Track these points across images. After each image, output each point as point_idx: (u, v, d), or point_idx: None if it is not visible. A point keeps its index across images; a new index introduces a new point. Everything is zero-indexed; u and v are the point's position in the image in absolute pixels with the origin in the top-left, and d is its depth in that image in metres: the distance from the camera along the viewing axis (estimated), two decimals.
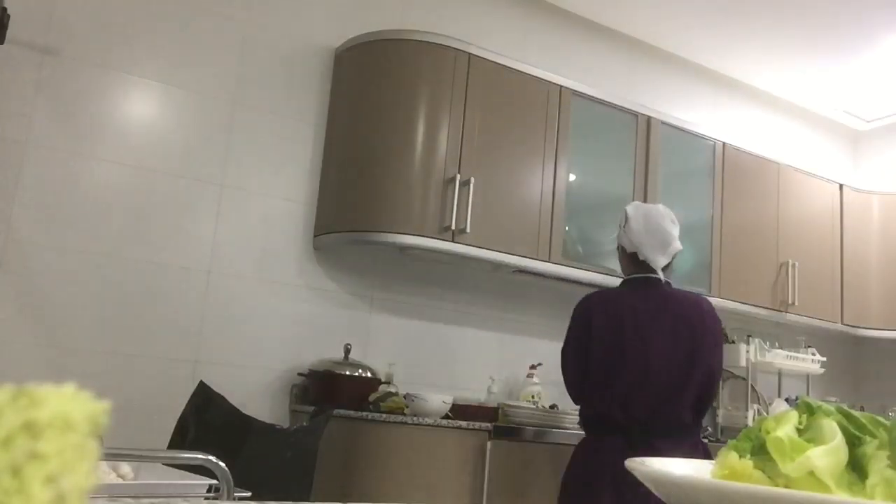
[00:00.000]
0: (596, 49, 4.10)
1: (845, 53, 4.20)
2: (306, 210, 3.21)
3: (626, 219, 2.53)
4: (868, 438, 0.48)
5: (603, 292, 2.62)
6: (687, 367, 2.39)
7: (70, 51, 2.80)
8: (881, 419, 0.49)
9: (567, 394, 2.61)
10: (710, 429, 3.69)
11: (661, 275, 2.47)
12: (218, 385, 2.07)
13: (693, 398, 2.41)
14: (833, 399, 4.17)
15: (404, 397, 2.91)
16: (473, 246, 3.10)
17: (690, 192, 3.97)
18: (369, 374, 3.01)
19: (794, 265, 4.08)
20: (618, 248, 2.60)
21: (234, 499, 1.24)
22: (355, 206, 3.06)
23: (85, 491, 0.26)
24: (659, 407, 2.37)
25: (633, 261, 2.51)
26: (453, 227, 3.04)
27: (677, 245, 2.52)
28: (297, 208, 3.19)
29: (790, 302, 4.03)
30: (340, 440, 2.70)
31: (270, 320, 3.08)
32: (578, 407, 2.59)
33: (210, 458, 1.23)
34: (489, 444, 2.76)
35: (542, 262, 3.28)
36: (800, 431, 0.49)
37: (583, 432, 2.54)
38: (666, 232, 2.49)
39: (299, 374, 3.05)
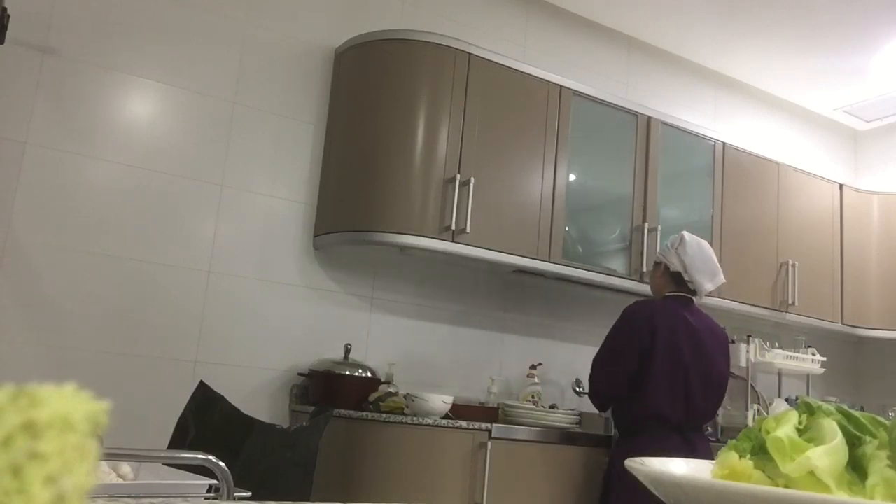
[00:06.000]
0: (596, 49, 4.11)
1: (845, 53, 4.20)
2: (306, 210, 3.21)
3: (683, 241, 2.81)
4: (868, 438, 0.48)
5: (654, 302, 2.85)
6: (726, 375, 2.83)
7: (70, 51, 2.80)
8: (881, 419, 0.49)
9: (596, 392, 2.85)
10: (709, 429, 3.68)
11: (700, 297, 2.84)
12: (218, 385, 2.07)
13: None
14: (833, 399, 4.17)
15: (404, 397, 2.90)
16: (473, 246, 3.10)
17: (690, 192, 3.97)
18: (369, 374, 3.01)
19: (794, 265, 4.08)
20: (658, 264, 2.89)
21: (234, 499, 1.24)
22: (355, 206, 3.06)
23: (85, 491, 0.26)
24: (711, 409, 2.79)
25: (674, 279, 2.82)
26: (453, 227, 3.04)
27: (722, 278, 2.86)
28: (297, 208, 3.19)
29: (790, 302, 4.03)
30: (340, 440, 2.70)
31: (270, 320, 3.08)
32: (597, 404, 2.92)
33: (210, 458, 1.23)
34: (489, 444, 2.76)
35: (542, 262, 3.28)
36: (800, 431, 0.49)
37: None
38: (716, 264, 2.84)
39: (299, 374, 3.05)
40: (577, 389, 3.53)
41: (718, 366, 2.80)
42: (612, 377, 2.74)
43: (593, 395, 2.87)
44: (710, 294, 3.69)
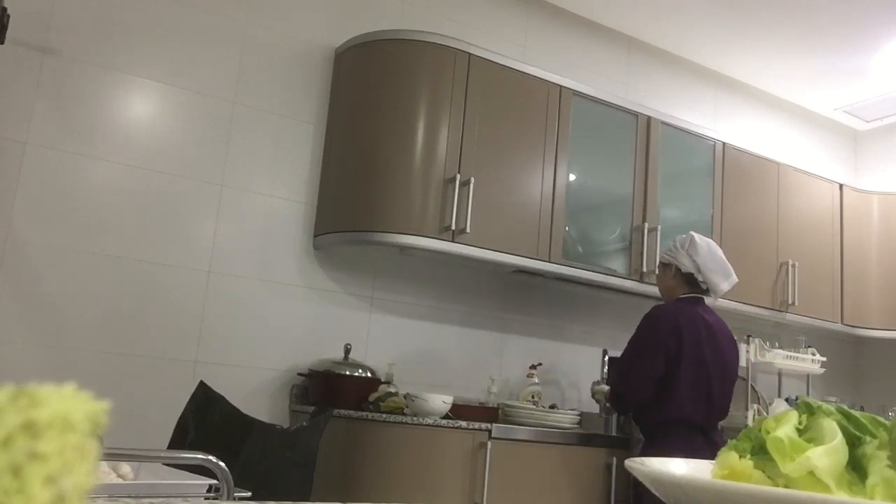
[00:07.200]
0: (596, 49, 4.10)
1: (845, 53, 4.20)
2: (306, 210, 3.21)
3: (693, 242, 2.79)
4: (868, 438, 0.48)
5: (674, 305, 2.82)
6: (737, 372, 2.88)
7: (70, 51, 2.80)
8: (881, 419, 0.49)
9: (621, 397, 2.82)
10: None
11: (714, 297, 2.85)
12: (218, 385, 2.07)
13: None
14: (833, 399, 4.17)
15: (404, 397, 2.90)
16: (473, 246, 3.10)
17: (690, 192, 3.97)
18: (369, 374, 3.01)
19: (794, 265, 4.08)
20: (667, 266, 2.86)
21: (234, 499, 1.24)
22: (355, 206, 3.06)
23: (85, 491, 0.26)
24: (727, 407, 2.79)
25: (686, 280, 2.80)
26: (453, 227, 3.04)
27: (735, 277, 2.85)
28: (297, 208, 3.19)
29: (790, 302, 4.03)
30: (340, 440, 2.70)
31: (270, 320, 3.08)
32: (618, 407, 2.94)
33: (210, 458, 1.23)
34: (489, 444, 2.75)
35: (542, 262, 3.28)
36: (800, 431, 0.49)
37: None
38: (727, 264, 2.84)
39: (299, 374, 3.05)
40: (598, 398, 3.40)
41: (732, 364, 2.83)
42: (639, 382, 2.72)
43: (617, 400, 2.84)
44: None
